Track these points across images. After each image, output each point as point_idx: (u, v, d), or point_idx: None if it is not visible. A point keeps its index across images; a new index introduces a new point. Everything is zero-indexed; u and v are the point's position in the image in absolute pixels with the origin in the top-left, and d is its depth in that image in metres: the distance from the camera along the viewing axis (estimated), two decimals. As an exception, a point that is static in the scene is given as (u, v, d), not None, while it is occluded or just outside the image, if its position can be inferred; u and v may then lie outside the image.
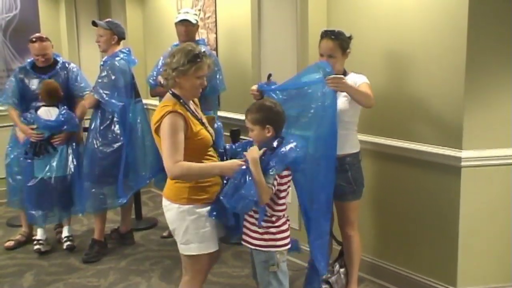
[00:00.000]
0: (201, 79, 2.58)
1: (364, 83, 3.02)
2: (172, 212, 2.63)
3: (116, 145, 3.95)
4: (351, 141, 3.09)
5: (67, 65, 4.27)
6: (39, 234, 4.18)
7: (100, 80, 3.95)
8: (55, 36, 5.54)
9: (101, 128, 3.97)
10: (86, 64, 5.20)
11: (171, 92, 2.59)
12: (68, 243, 4.18)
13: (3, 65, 5.35)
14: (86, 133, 4.19)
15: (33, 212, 4.03)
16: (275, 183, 2.46)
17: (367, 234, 3.50)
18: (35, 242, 4.16)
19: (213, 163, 2.59)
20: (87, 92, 4.14)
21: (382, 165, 3.44)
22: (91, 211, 4.15)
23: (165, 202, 2.67)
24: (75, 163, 4.07)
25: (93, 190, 4.01)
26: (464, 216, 3.03)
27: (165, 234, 4.48)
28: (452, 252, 3.08)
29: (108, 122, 3.96)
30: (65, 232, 4.24)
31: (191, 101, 2.68)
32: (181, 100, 2.56)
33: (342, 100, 3.01)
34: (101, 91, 3.91)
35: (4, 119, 4.73)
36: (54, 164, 3.99)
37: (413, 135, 3.24)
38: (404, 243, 3.40)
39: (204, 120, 2.68)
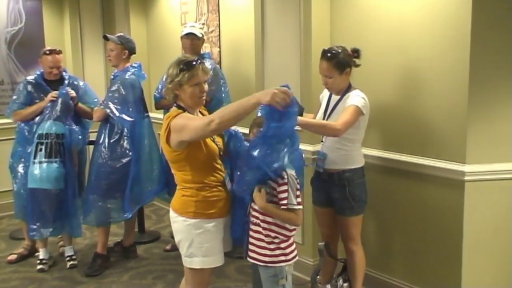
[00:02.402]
0: (200, 86, 2.55)
1: (350, 105, 2.97)
2: (178, 224, 2.63)
3: (124, 160, 3.92)
4: (352, 157, 3.08)
5: (75, 82, 4.27)
6: (42, 253, 4.12)
7: (110, 95, 3.96)
8: (60, 49, 5.59)
9: (110, 142, 3.94)
10: (90, 77, 5.22)
11: (175, 104, 2.61)
12: (71, 262, 4.13)
13: (8, 78, 5.38)
14: (92, 146, 4.17)
15: (33, 226, 3.96)
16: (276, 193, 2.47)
17: (370, 248, 3.49)
18: (38, 261, 4.11)
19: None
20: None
21: (385, 179, 3.44)
22: (94, 224, 4.13)
23: (172, 214, 2.66)
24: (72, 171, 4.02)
25: (99, 203, 3.98)
26: (468, 230, 3.02)
27: (168, 247, 4.47)
28: (456, 266, 3.07)
29: (117, 136, 3.93)
30: (67, 252, 4.19)
31: (198, 113, 2.68)
32: (186, 111, 2.56)
33: (335, 118, 3.02)
34: (112, 105, 3.92)
35: (8, 132, 4.74)
36: (46, 176, 3.86)
37: (417, 149, 3.24)
38: (408, 257, 3.38)
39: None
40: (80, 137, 4.08)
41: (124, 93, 3.95)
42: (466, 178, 2.96)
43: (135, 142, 3.98)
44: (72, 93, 4.06)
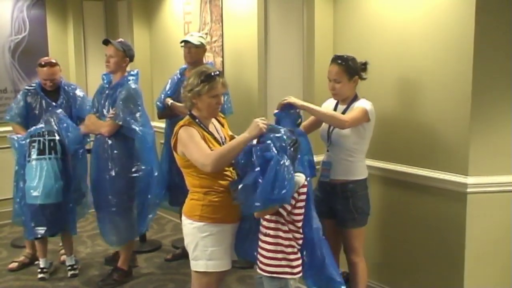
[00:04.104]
0: (217, 98, 2.67)
1: (358, 107, 3.00)
2: (186, 227, 2.71)
3: (137, 173, 3.78)
4: (355, 168, 3.08)
5: (72, 93, 4.23)
6: (42, 263, 4.08)
7: (122, 107, 3.72)
8: (63, 58, 5.61)
9: (120, 155, 3.79)
10: (93, 86, 5.21)
11: (189, 113, 2.71)
12: (72, 272, 4.09)
13: (11, 86, 5.40)
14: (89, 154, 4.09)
15: (28, 227, 3.93)
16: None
17: (372, 260, 3.48)
18: (39, 270, 4.07)
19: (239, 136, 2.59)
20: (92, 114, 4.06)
21: (388, 191, 3.44)
22: (115, 244, 4.08)
23: (182, 217, 2.76)
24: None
25: (115, 221, 3.87)
26: (470, 242, 3.01)
27: (169, 257, 4.46)
28: (457, 278, 3.06)
29: (128, 149, 3.78)
30: (68, 261, 4.13)
31: (212, 123, 2.75)
32: (197, 120, 2.66)
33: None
34: (127, 118, 3.71)
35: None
36: (41, 192, 3.74)
37: (419, 160, 3.24)
38: (410, 269, 3.37)
39: (224, 141, 2.73)
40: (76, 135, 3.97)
41: (133, 103, 3.76)
42: (469, 190, 2.96)
43: (145, 154, 3.80)
44: None
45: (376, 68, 3.33)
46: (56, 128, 3.91)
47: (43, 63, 4.15)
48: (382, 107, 3.34)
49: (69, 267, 4.12)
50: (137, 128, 3.73)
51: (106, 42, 3.92)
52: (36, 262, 4.21)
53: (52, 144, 3.82)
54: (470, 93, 2.93)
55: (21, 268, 4.27)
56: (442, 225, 3.14)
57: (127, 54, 3.89)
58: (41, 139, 3.80)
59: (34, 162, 3.78)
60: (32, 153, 3.79)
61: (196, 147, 2.56)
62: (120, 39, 4.13)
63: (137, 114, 3.77)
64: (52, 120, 3.94)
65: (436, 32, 3.09)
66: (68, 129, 3.95)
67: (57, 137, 3.86)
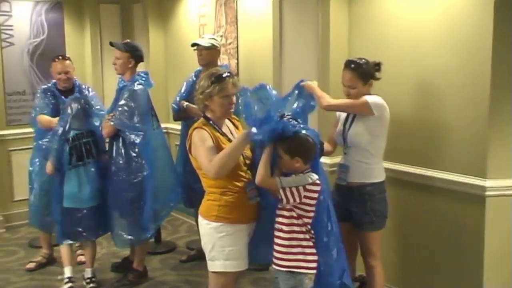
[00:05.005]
0: (229, 98, 2.69)
1: (362, 98, 2.98)
2: (202, 227, 2.73)
3: (140, 175, 3.77)
4: (372, 171, 3.06)
5: (84, 91, 4.28)
6: (68, 272, 3.89)
7: (120, 109, 3.74)
8: (80, 60, 5.68)
9: (123, 157, 3.78)
10: (110, 88, 5.25)
11: (203, 115, 2.75)
12: (91, 285, 3.94)
13: (30, 88, 5.46)
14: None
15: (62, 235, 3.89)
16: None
17: (390, 264, 3.44)
18: (66, 280, 3.86)
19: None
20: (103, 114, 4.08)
21: (404, 193, 3.41)
22: (119, 246, 4.08)
23: (199, 217, 2.77)
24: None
25: (120, 222, 3.86)
26: (489, 246, 2.97)
27: (183, 258, 4.47)
28: (476, 282, 3.02)
29: (130, 151, 3.77)
30: (88, 273, 3.96)
31: (226, 125, 2.78)
32: (211, 122, 2.69)
33: (357, 126, 3.02)
34: (124, 120, 3.73)
35: (28, 141, 4.79)
36: (84, 195, 3.78)
37: (437, 163, 3.21)
38: (427, 273, 3.33)
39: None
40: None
41: (133, 105, 3.74)
42: (487, 193, 2.92)
43: (149, 155, 3.81)
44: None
45: (392, 69, 3.30)
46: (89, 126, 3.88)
47: (56, 58, 4.24)
48: (398, 108, 3.31)
49: (88, 280, 3.95)
50: (131, 129, 3.73)
51: (111, 45, 3.97)
52: (60, 278, 4.00)
53: (88, 147, 3.82)
54: (488, 94, 2.89)
55: (38, 268, 4.32)
56: (460, 229, 3.10)
57: (132, 55, 3.88)
58: (77, 143, 3.78)
59: (74, 169, 3.77)
60: (72, 160, 3.77)
61: (204, 152, 2.58)
62: (126, 40, 4.16)
63: (135, 117, 3.75)
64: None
65: (452, 32, 3.06)
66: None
67: (90, 138, 3.85)
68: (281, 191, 2.51)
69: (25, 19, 5.44)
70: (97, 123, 3.97)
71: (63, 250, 3.93)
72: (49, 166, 3.84)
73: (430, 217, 3.28)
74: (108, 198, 3.88)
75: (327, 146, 3.14)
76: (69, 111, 3.81)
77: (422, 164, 3.29)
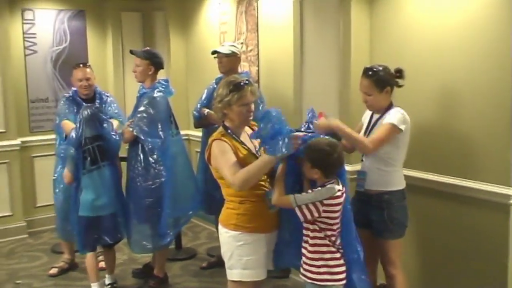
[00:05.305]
0: (247, 106, 2.68)
1: (384, 123, 2.94)
2: (222, 236, 2.73)
3: (158, 182, 3.78)
4: (391, 179, 3.03)
5: (103, 97, 4.34)
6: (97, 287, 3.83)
7: (139, 115, 3.79)
8: (102, 68, 5.77)
9: (143, 163, 3.80)
10: (131, 95, 5.30)
11: (222, 124, 2.74)
12: None
13: (53, 95, 5.55)
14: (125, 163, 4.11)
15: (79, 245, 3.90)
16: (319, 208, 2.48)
17: (412, 273, 3.41)
18: None
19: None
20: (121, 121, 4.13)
21: (427, 201, 3.37)
22: (137, 251, 4.10)
23: (219, 225, 2.77)
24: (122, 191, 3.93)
25: (139, 228, 3.89)
26: (514, 256, 2.92)
27: (204, 265, 4.48)
28: (501, 293, 2.97)
29: (149, 157, 3.78)
30: (109, 280, 4.01)
31: (245, 132, 2.76)
32: (229, 131, 2.68)
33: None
34: (143, 127, 3.75)
35: (51, 148, 4.85)
36: (100, 203, 3.74)
37: (459, 171, 3.17)
38: (451, 282, 3.29)
39: (258, 150, 2.70)
40: (116, 138, 3.88)
41: (152, 112, 3.78)
42: (512, 201, 2.88)
43: (167, 162, 3.82)
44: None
45: (413, 76, 3.28)
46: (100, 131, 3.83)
47: (76, 65, 4.30)
48: (420, 115, 3.28)
49: (109, 286, 3.99)
50: (149, 136, 3.76)
51: (131, 53, 4.03)
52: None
53: (101, 150, 3.75)
54: (510, 102, 2.85)
55: (60, 273, 4.37)
56: (484, 238, 3.06)
57: (152, 62, 3.92)
58: (90, 147, 3.72)
59: (89, 174, 3.73)
60: (86, 164, 3.73)
61: (226, 164, 2.56)
62: (146, 48, 4.20)
63: (152, 122, 3.77)
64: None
65: (474, 39, 3.03)
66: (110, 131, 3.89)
67: (103, 142, 3.78)
68: (296, 209, 2.49)
69: (48, 27, 5.53)
70: (113, 127, 3.95)
71: (88, 264, 3.85)
72: (66, 175, 3.83)
73: (453, 226, 3.24)
74: (125, 203, 3.91)
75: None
76: (81, 118, 3.77)
77: (444, 172, 3.26)
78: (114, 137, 3.86)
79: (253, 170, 2.52)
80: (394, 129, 2.93)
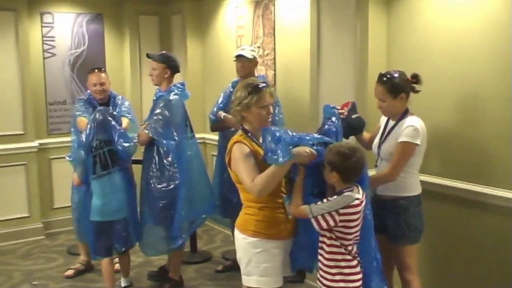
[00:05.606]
0: (266, 108, 2.66)
1: (399, 143, 2.90)
2: (239, 241, 2.70)
3: (173, 184, 3.78)
4: (406, 185, 2.99)
5: (117, 101, 4.36)
6: None
7: (155, 118, 3.81)
8: (119, 71, 5.82)
9: (158, 166, 3.81)
10: (148, 98, 5.34)
11: (241, 127, 2.72)
12: None
13: (70, 98, 5.59)
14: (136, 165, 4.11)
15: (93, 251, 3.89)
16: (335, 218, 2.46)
17: (426, 278, 3.36)
18: None
19: None
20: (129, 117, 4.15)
21: (443, 207, 3.34)
22: (151, 254, 4.11)
23: (235, 230, 2.74)
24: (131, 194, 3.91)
25: (154, 231, 3.90)
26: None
27: (219, 268, 4.47)
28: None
29: (164, 160, 3.79)
30: (124, 283, 4.00)
31: None
32: (249, 134, 2.66)
33: (389, 143, 2.97)
34: (158, 129, 3.78)
35: (68, 150, 4.83)
36: (110, 208, 3.73)
37: (476, 176, 3.14)
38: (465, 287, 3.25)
39: None
40: (128, 144, 3.79)
41: (168, 115, 3.79)
42: (532, 208, 2.83)
43: (182, 164, 3.82)
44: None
45: (431, 81, 3.24)
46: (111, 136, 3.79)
47: (91, 70, 4.33)
48: (437, 121, 3.25)
49: None
50: (164, 138, 3.77)
51: (148, 56, 4.05)
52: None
53: (112, 155, 3.74)
54: (533, 107, 2.81)
55: (76, 275, 4.40)
56: (502, 244, 3.01)
57: (168, 66, 3.94)
58: (100, 151, 3.71)
59: (99, 179, 3.72)
60: (96, 169, 3.71)
61: (246, 170, 2.53)
62: (162, 52, 4.23)
63: (168, 125, 3.78)
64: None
65: (493, 43, 2.99)
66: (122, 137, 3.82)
67: (114, 147, 3.75)
68: (312, 220, 2.47)
69: (67, 30, 5.59)
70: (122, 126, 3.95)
71: (104, 269, 3.86)
72: (75, 179, 3.86)
73: (470, 231, 3.20)
74: (136, 208, 3.93)
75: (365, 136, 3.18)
76: (92, 121, 3.75)
77: (461, 178, 3.22)
78: (126, 144, 3.77)
79: (267, 178, 2.48)
80: (410, 146, 2.89)
